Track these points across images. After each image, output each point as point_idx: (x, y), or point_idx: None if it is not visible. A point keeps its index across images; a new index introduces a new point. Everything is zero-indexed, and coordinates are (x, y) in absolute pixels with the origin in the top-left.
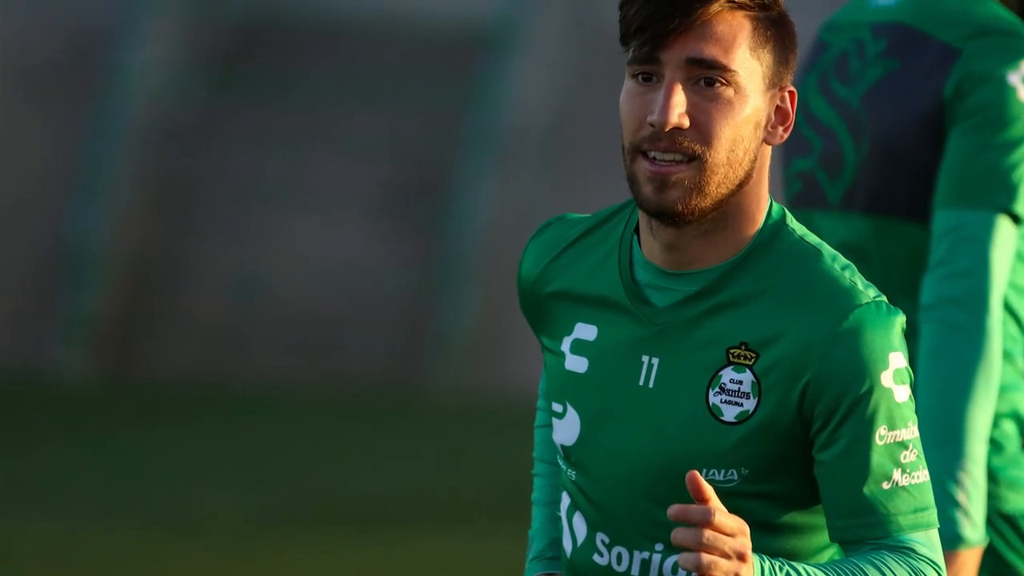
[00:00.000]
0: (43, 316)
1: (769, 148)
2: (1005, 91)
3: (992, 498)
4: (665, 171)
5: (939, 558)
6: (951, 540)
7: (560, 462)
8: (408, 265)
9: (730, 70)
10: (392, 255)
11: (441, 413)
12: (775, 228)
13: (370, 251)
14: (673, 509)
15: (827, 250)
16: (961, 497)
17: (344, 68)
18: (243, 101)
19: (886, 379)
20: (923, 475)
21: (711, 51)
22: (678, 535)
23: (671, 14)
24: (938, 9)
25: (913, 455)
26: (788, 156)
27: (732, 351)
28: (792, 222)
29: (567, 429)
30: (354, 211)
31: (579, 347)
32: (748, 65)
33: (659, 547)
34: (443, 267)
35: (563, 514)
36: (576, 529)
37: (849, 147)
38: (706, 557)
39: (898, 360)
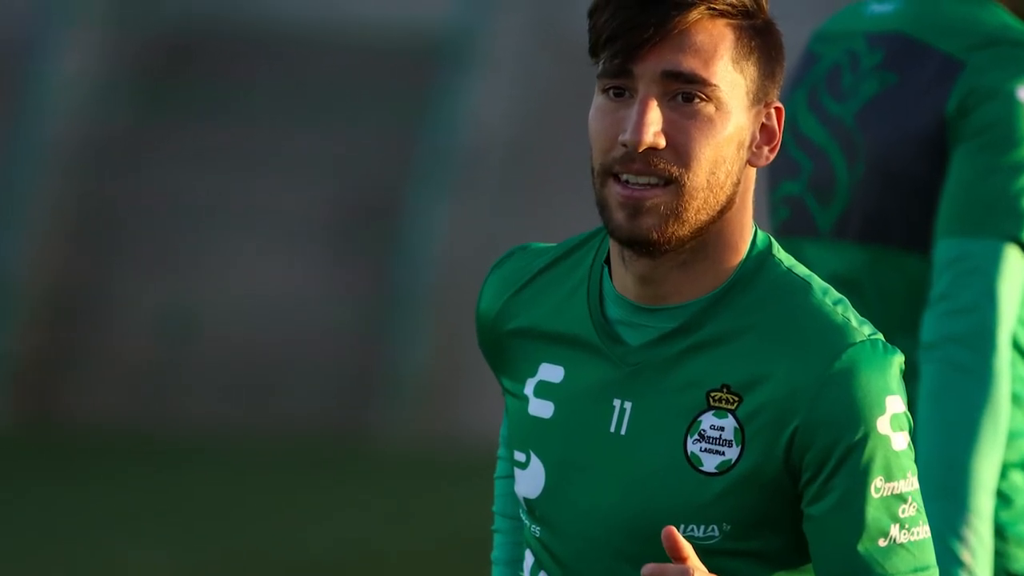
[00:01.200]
0: None
1: (753, 170)
2: (1014, 107)
3: (999, 556)
4: (639, 196)
5: None
6: None
7: (523, 517)
8: (355, 299)
9: (710, 84)
10: (337, 288)
11: (392, 462)
12: (760, 259)
13: (313, 284)
14: (647, 569)
15: (817, 283)
16: (965, 555)
17: (285, 81)
18: (173, 118)
19: (883, 425)
20: (923, 531)
21: (689, 63)
22: None
23: (645, 22)
24: (940, 17)
25: (912, 509)
26: (775, 179)
27: (713, 394)
28: (779, 252)
29: (531, 480)
30: (296, 239)
31: (544, 390)
32: (730, 79)
33: None
34: (394, 301)
35: (526, 574)
36: None
37: (842, 169)
38: None
39: (896, 404)
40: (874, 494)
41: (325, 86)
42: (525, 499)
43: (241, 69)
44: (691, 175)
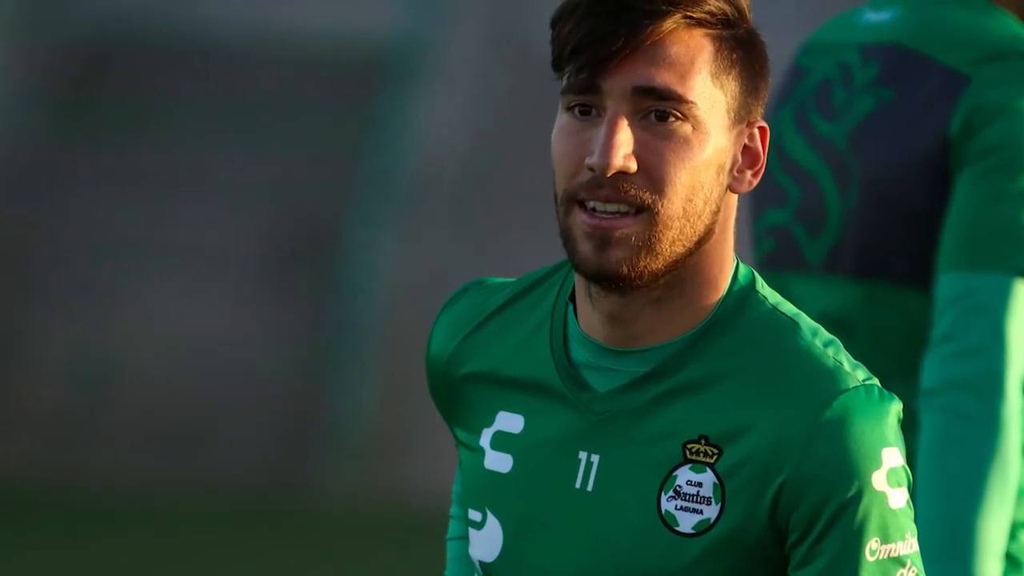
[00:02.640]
0: None
1: (735, 197)
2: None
3: None
4: (607, 225)
5: None
6: None
7: None
8: (291, 341)
9: (687, 101)
10: (272, 328)
11: (332, 522)
12: (742, 295)
13: (245, 324)
14: None
15: (806, 322)
16: None
17: (214, 98)
18: (88, 137)
19: (878, 481)
20: None
21: (663, 78)
22: None
23: (614, 32)
24: (942, 27)
25: (912, 574)
26: (758, 207)
27: (689, 446)
28: (763, 288)
29: (487, 542)
30: (226, 274)
31: (502, 441)
32: (709, 95)
33: None
34: (334, 343)
35: None
36: None
37: (833, 196)
38: None
39: (893, 458)
40: (869, 557)
41: (258, 103)
42: (481, 563)
43: (165, 83)
44: (665, 202)
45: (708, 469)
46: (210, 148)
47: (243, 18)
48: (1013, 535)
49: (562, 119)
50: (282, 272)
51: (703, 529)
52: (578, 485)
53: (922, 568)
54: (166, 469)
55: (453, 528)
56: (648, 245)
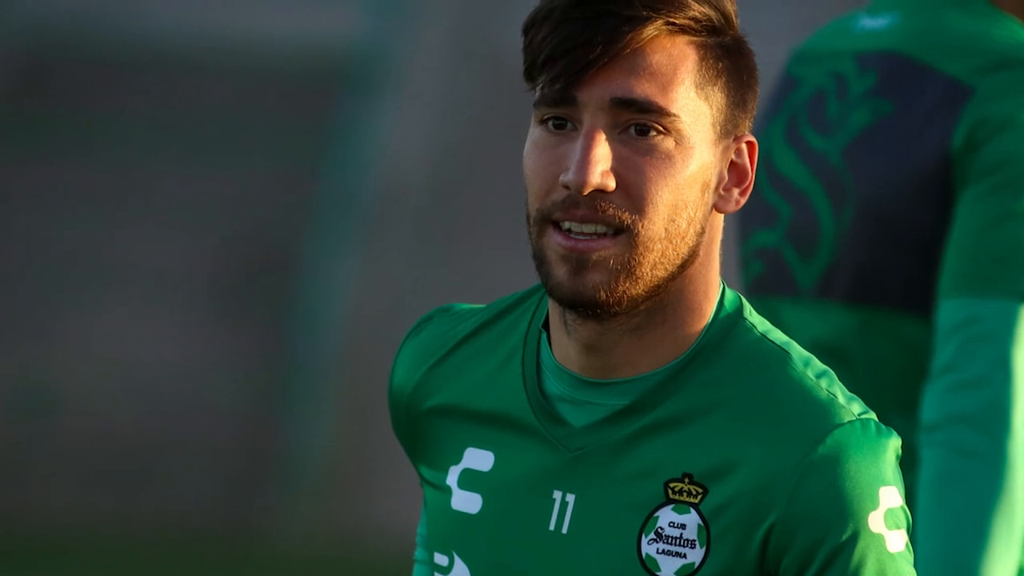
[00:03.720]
0: None
1: (721, 217)
2: None
3: None
4: (584, 247)
5: None
6: None
7: None
8: (245, 370)
9: (669, 114)
10: (224, 356)
11: (288, 563)
12: (729, 323)
13: (196, 351)
14: None
15: (797, 352)
16: None
17: (162, 111)
18: (28, 154)
19: (875, 522)
20: None
21: (644, 89)
22: None
23: (591, 40)
24: (944, 33)
25: None
26: (746, 228)
27: (672, 485)
28: (751, 315)
29: None
30: (175, 299)
31: (470, 480)
32: (693, 107)
33: None
34: (291, 372)
35: None
36: None
37: (826, 216)
38: None
39: (891, 497)
40: None
41: (210, 116)
42: None
43: (110, 95)
44: (646, 223)
45: (692, 510)
46: (158, 164)
47: (193, 25)
48: None
49: (535, 133)
50: (235, 296)
51: (687, 574)
52: (552, 527)
53: None
54: (112, 506)
55: (418, 573)
56: (627, 269)
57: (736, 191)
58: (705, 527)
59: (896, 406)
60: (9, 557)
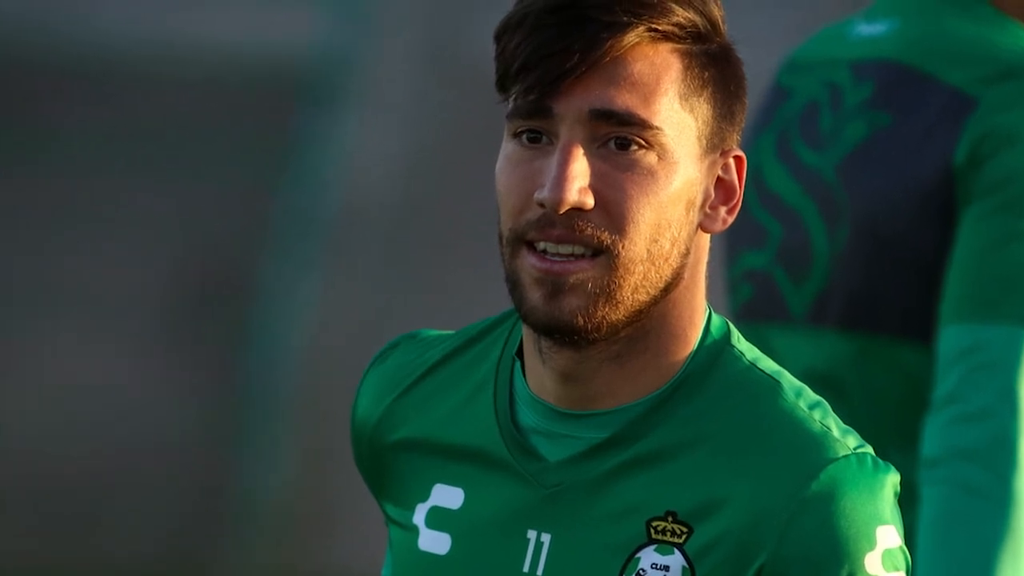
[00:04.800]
0: None
1: (707, 237)
2: None
3: None
4: (560, 270)
5: None
6: None
7: None
8: (198, 401)
9: (652, 127)
10: (176, 387)
11: None
12: (715, 350)
13: (145, 381)
14: None
15: (789, 382)
16: None
17: (110, 123)
18: None
19: (872, 564)
20: None
21: (625, 100)
22: None
23: (568, 48)
24: (945, 40)
25: None
26: (734, 249)
27: (655, 524)
28: (739, 342)
29: None
30: (123, 324)
31: (439, 519)
32: (677, 120)
33: None
34: (247, 404)
35: None
36: None
37: (820, 236)
38: None
39: (890, 537)
40: None
41: (161, 128)
42: None
43: (54, 106)
44: (627, 243)
45: (676, 550)
46: (106, 179)
47: (143, 32)
48: None
49: (508, 148)
50: (188, 321)
51: None
52: (526, 569)
53: None
54: (53, 550)
55: None
56: (607, 293)
57: (723, 209)
58: (690, 568)
59: (895, 440)
60: None
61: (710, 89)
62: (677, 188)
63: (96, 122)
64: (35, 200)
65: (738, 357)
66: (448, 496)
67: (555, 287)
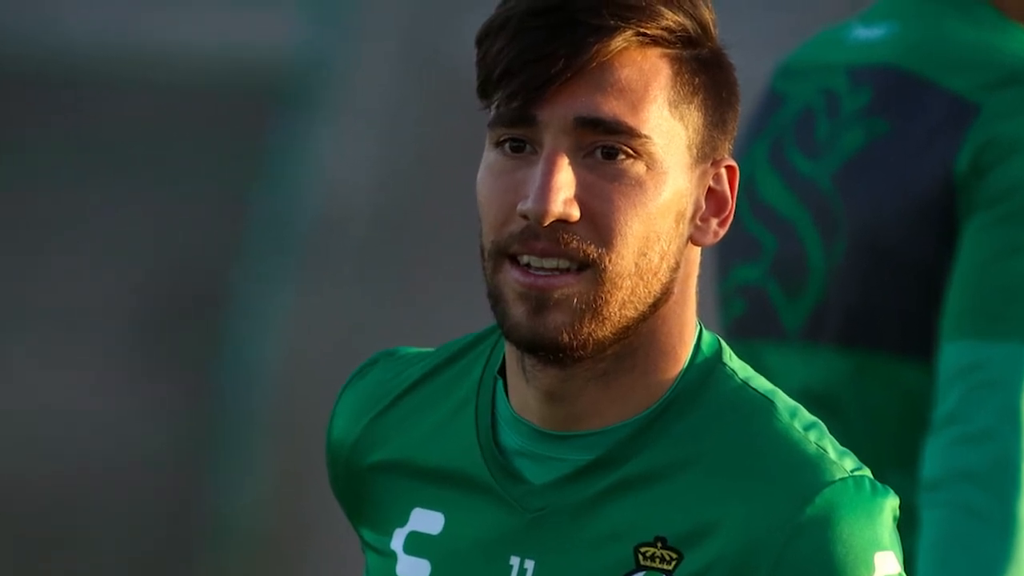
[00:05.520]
0: None
1: (698, 250)
2: None
3: None
4: (544, 284)
5: None
6: None
7: None
8: (167, 420)
9: (640, 135)
10: (144, 405)
11: None
12: (706, 368)
13: (112, 399)
14: None
15: (783, 401)
16: None
17: (74, 131)
18: None
19: None
20: None
21: (612, 107)
22: None
23: (553, 53)
24: (946, 45)
25: None
26: (726, 262)
27: (643, 550)
28: (731, 360)
29: None
30: (88, 340)
31: (417, 544)
32: (666, 128)
33: None
34: (217, 424)
35: None
36: None
37: (816, 248)
38: None
39: (889, 564)
40: None
41: (129, 135)
42: None
43: (16, 112)
44: (614, 257)
45: None
46: (71, 189)
47: (109, 35)
48: None
49: (490, 157)
50: (157, 336)
51: None
52: None
53: None
54: (20, 574)
55: None
56: (593, 308)
57: (714, 221)
58: None
59: (893, 461)
60: None
61: (701, 96)
62: (666, 199)
63: (60, 131)
64: (1, 212)
65: (730, 376)
66: (427, 521)
67: (539, 302)
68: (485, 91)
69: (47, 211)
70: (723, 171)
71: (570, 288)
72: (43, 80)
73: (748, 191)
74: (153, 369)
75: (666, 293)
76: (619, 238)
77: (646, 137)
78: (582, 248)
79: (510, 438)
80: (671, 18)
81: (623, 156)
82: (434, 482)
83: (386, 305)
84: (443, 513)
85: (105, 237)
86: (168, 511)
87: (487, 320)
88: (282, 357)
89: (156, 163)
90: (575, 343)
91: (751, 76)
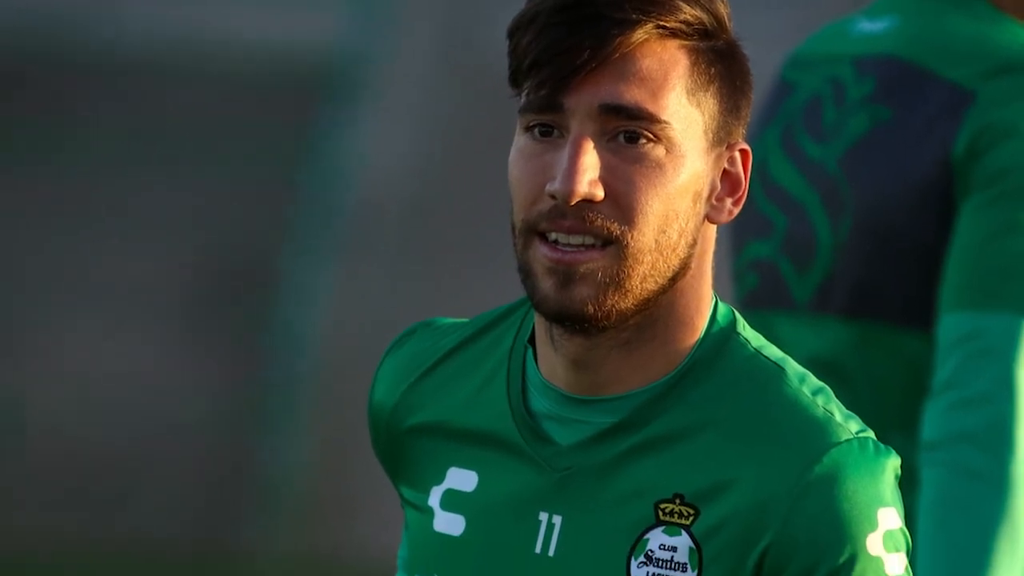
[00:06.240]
0: None
1: (714, 228)
2: None
3: None
4: (571, 259)
5: None
6: None
7: None
8: (220, 387)
9: (660, 121)
10: (198, 374)
11: None
12: (721, 338)
13: (168, 368)
14: None
15: (793, 368)
16: None
17: (134, 119)
18: None
19: (873, 544)
20: None
21: (634, 95)
22: None
23: (579, 44)
24: (944, 37)
25: None
26: (740, 239)
27: (662, 506)
28: (745, 330)
29: None
30: (145, 314)
31: (453, 501)
32: (685, 114)
33: None
34: (267, 390)
35: None
36: None
37: (823, 227)
38: None
39: (890, 519)
40: None
41: (183, 124)
42: None
43: (77, 104)
44: (636, 234)
45: (683, 532)
46: (129, 174)
47: (166, 30)
48: None
49: (520, 141)
50: (209, 311)
51: None
52: (538, 550)
53: None
54: (80, 530)
55: None
56: (616, 282)
57: (729, 201)
58: (697, 550)
59: (896, 424)
60: None
61: (716, 84)
62: (684, 180)
63: (121, 119)
64: (62, 195)
65: (744, 344)
66: (462, 479)
67: (566, 276)
68: (516, 80)
69: (109, 194)
70: (737, 154)
71: (595, 263)
72: (105, 72)
73: (761, 173)
74: (207, 340)
75: (684, 268)
76: (640, 216)
77: (665, 122)
78: (606, 226)
79: (539, 402)
80: (689, 12)
81: (644, 140)
82: (469, 443)
83: (423, 281)
84: (477, 472)
85: (163, 218)
86: (221, 472)
87: (517, 293)
88: (326, 329)
89: (210, 149)
90: (599, 314)
91: (763, 67)
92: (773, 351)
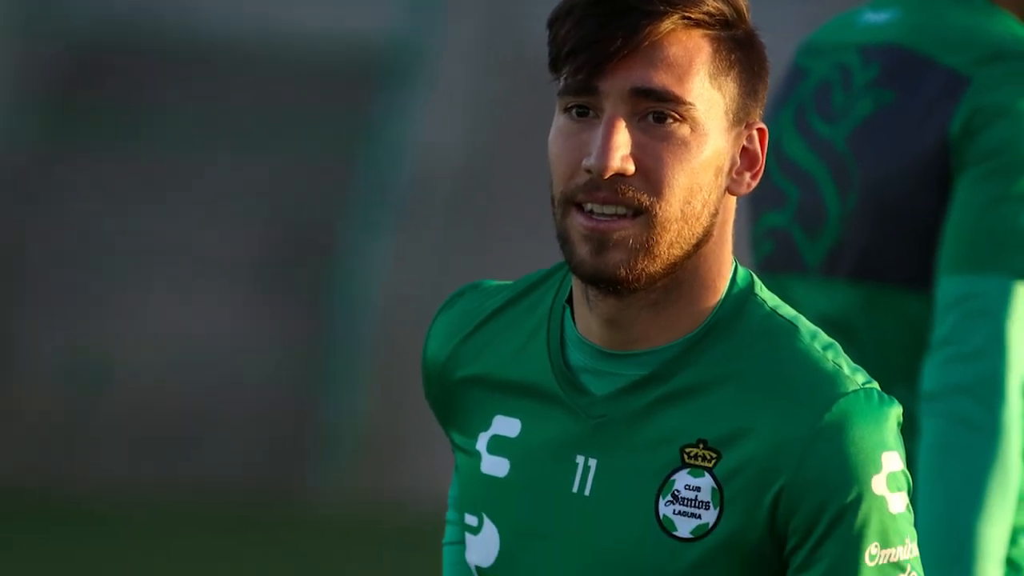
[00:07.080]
0: None
1: (733, 200)
2: None
3: None
4: (605, 228)
5: None
6: None
7: None
8: (286, 344)
9: (685, 102)
10: (267, 332)
11: (329, 527)
12: (741, 298)
13: (239, 327)
14: None
15: (805, 326)
16: None
17: (208, 102)
18: (81, 142)
19: (878, 485)
20: None
21: (661, 79)
22: None
23: (612, 34)
24: (943, 27)
25: None
26: (757, 209)
27: (688, 450)
28: (762, 291)
29: (483, 547)
30: (219, 278)
31: (498, 445)
32: (708, 96)
33: None
34: (330, 347)
35: None
36: None
37: (832, 198)
38: None
39: (893, 462)
40: (868, 562)
41: (252, 107)
42: (478, 568)
43: (159, 88)
44: (663, 204)
45: (706, 473)
46: (205, 152)
47: (236, 20)
48: (1014, 540)
49: (559, 121)
50: (277, 276)
51: (701, 534)
52: (575, 489)
53: (922, 573)
54: (157, 473)
55: (449, 533)
56: (646, 248)
57: (748, 175)
58: (719, 489)
59: (899, 377)
60: (64, 520)
61: (736, 69)
62: (707, 156)
63: (196, 102)
64: (143, 171)
65: (761, 304)
66: (507, 426)
67: (601, 243)
68: (555, 66)
69: (186, 171)
70: (755, 133)
71: (626, 231)
72: (183, 59)
73: (776, 150)
74: (275, 303)
75: (707, 235)
76: (667, 189)
77: (690, 104)
78: (636, 197)
79: (576, 357)
80: (711, 4)
81: (671, 120)
82: (513, 393)
83: (470, 249)
84: (520, 419)
85: (235, 192)
86: (286, 421)
87: (557, 258)
88: (382, 293)
89: (277, 130)
90: (631, 277)
91: (778, 55)
92: (787, 310)
